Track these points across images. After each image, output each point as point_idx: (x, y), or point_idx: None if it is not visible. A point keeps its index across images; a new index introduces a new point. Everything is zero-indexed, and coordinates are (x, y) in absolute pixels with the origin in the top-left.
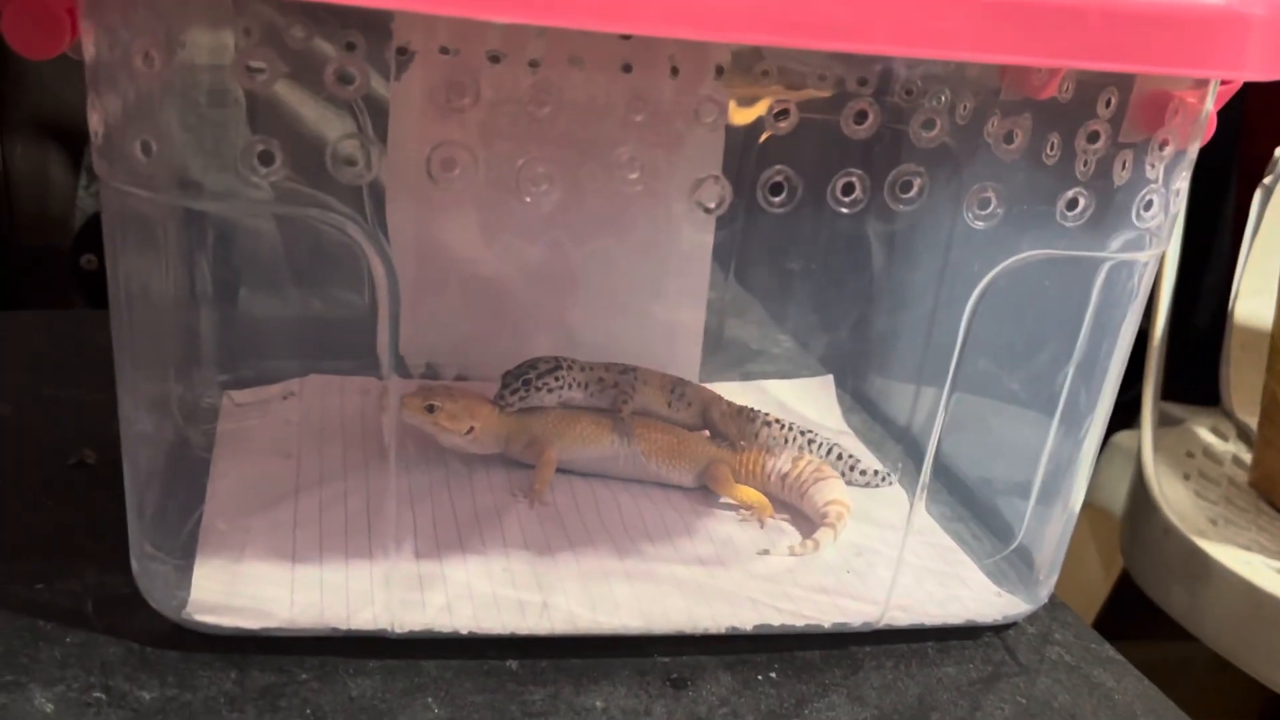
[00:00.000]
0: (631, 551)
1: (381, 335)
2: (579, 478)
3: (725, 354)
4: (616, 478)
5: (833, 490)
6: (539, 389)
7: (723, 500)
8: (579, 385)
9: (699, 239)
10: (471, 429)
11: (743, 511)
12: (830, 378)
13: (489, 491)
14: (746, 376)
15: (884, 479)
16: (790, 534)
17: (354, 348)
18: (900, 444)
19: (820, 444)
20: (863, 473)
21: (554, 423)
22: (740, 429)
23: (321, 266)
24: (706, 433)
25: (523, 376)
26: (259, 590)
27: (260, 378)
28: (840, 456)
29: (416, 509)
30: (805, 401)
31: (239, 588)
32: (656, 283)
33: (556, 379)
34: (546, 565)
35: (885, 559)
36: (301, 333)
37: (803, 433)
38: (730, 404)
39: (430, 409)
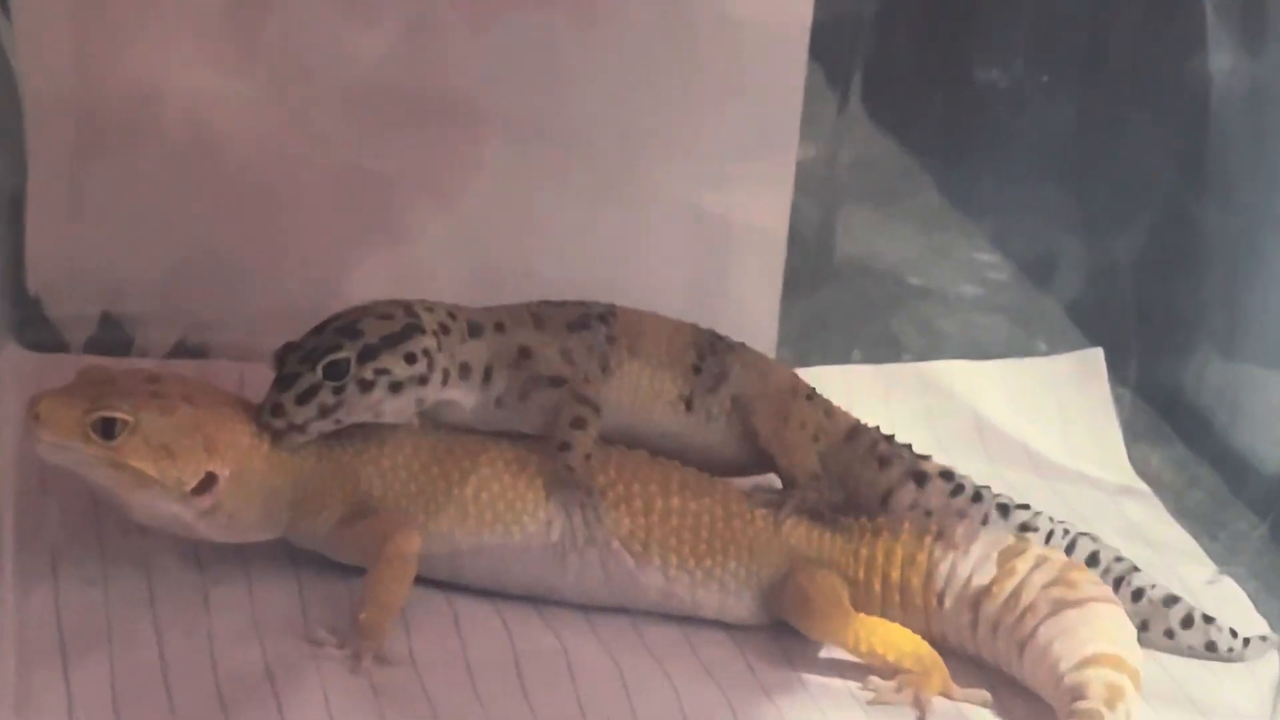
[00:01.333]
0: None
1: None
2: (473, 600)
3: (841, 296)
4: (564, 603)
5: (1098, 632)
6: (371, 385)
7: (824, 651)
8: (468, 369)
9: (778, 9)
10: (207, 481)
11: (872, 680)
12: (1099, 354)
13: (250, 635)
14: (891, 348)
15: (1247, 645)
16: None
17: None
18: (1264, 520)
19: (1065, 530)
20: (1187, 624)
21: (409, 470)
22: (865, 475)
23: None
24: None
25: (331, 355)
26: None
27: None
28: (1117, 560)
29: (72, 669)
30: (1037, 410)
31: None
32: (671, 118)
33: (413, 354)
34: None
35: None
36: None
37: (1019, 508)
38: (832, 411)
39: (105, 427)
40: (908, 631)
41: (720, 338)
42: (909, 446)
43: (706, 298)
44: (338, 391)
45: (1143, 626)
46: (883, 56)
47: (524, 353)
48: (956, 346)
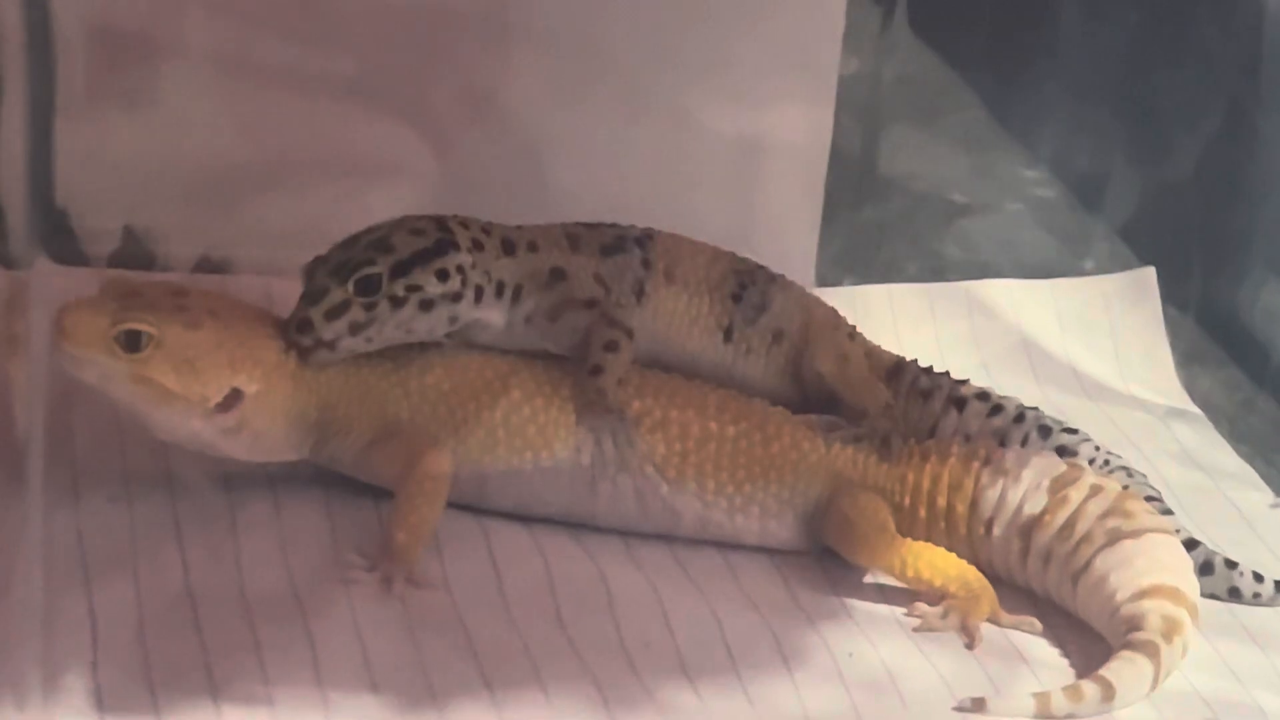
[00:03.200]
0: (641, 703)
1: (8, 161)
2: (506, 525)
3: (883, 213)
4: (598, 529)
5: (1155, 564)
6: (403, 301)
7: (869, 577)
8: (501, 289)
9: None
10: (233, 398)
11: (918, 606)
12: (1150, 274)
13: (277, 559)
14: (937, 268)
15: (1277, 590)
16: (1040, 663)
17: None
18: None
19: (1106, 460)
20: (1207, 570)
21: (438, 393)
22: (910, 412)
23: None
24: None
25: (363, 270)
26: None
27: None
28: (1150, 500)
29: (95, 589)
30: (1086, 330)
31: None
32: (708, 33)
33: (446, 271)
34: None
35: None
36: None
37: (1064, 431)
38: (872, 350)
39: (129, 339)
40: (954, 556)
41: (762, 268)
42: (947, 374)
43: (746, 217)
44: (369, 308)
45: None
46: None
47: (556, 274)
48: (1003, 266)
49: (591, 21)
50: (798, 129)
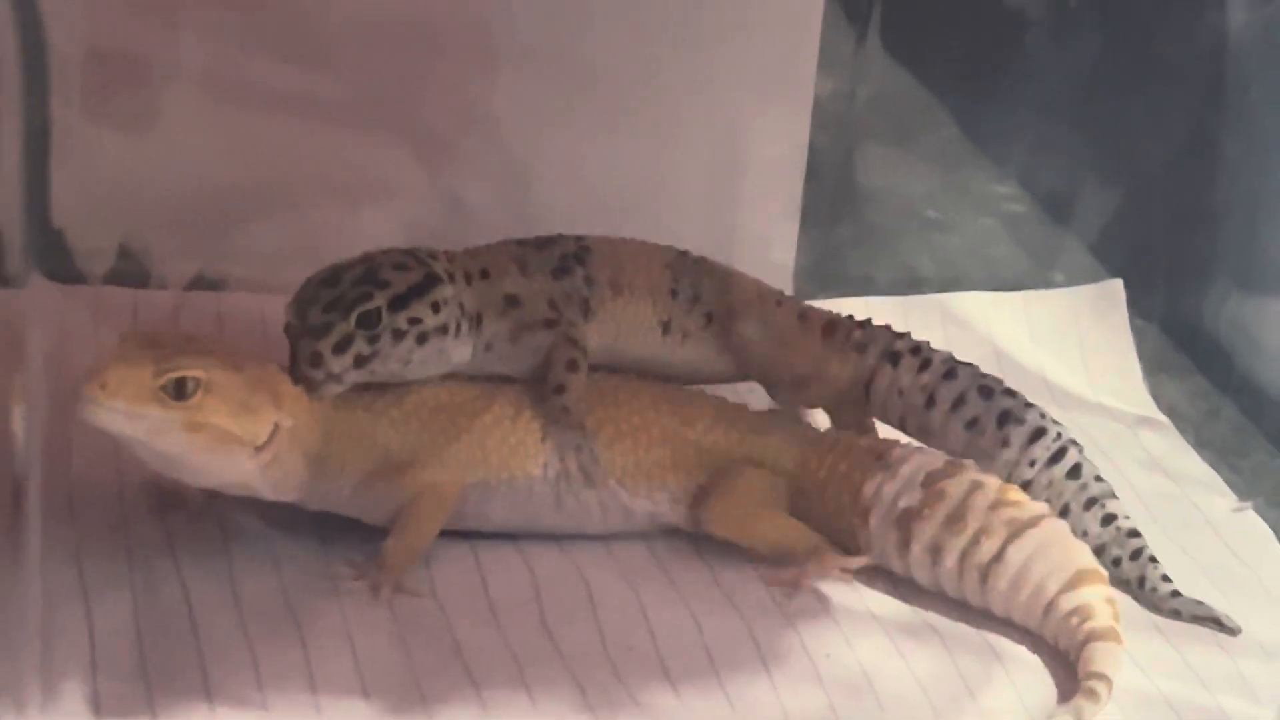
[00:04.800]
0: (623, 706)
1: (4, 182)
2: (493, 538)
3: (858, 229)
4: (549, 534)
5: (1071, 549)
6: (403, 334)
7: (847, 580)
8: (471, 319)
9: None
10: (273, 434)
11: (769, 572)
12: (1118, 286)
13: (269, 568)
14: (910, 281)
15: (1174, 597)
16: (1012, 659)
17: None
18: None
19: (1059, 434)
20: (1135, 556)
21: (419, 418)
22: (846, 358)
23: None
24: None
25: (363, 305)
26: None
27: None
28: (1097, 479)
29: (94, 605)
30: (1056, 341)
31: None
32: (690, 56)
33: (438, 303)
34: None
35: None
36: None
37: (1005, 393)
38: (806, 312)
39: (179, 388)
40: (794, 522)
41: (687, 254)
42: (886, 327)
43: (725, 231)
44: (372, 341)
45: (1098, 551)
46: None
47: (511, 300)
48: (975, 278)
49: (576, 43)
50: (775, 147)
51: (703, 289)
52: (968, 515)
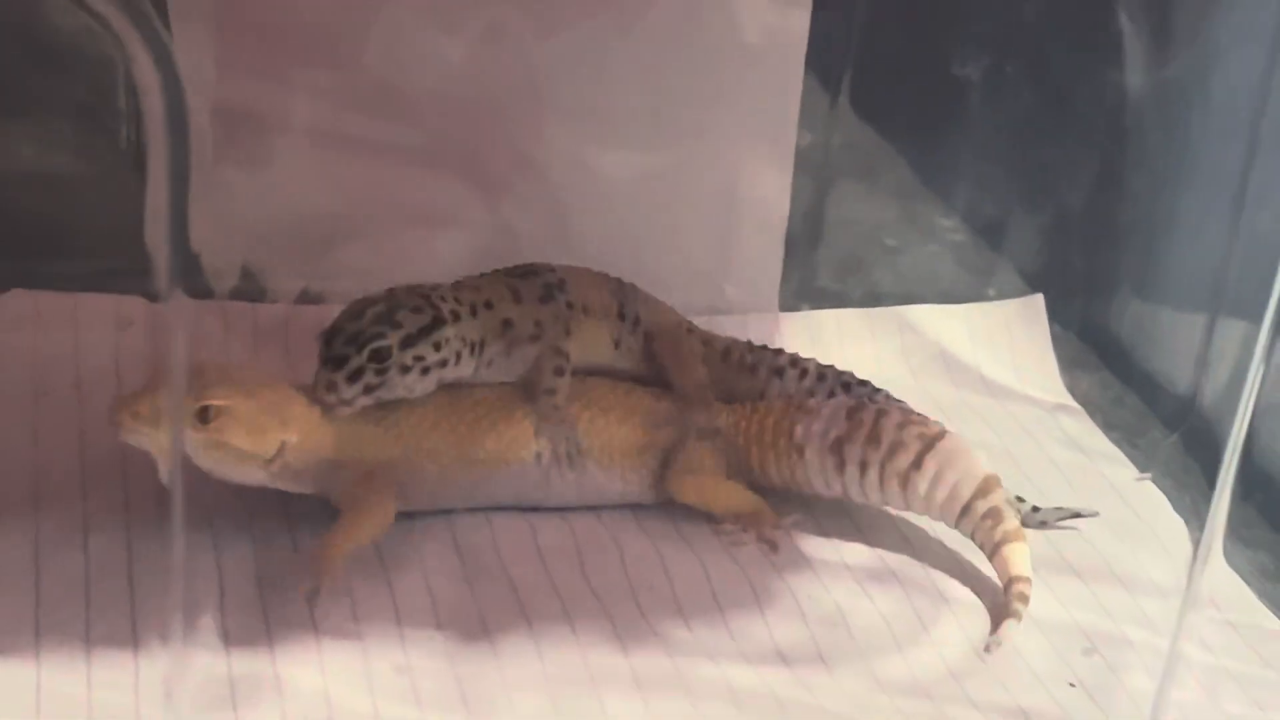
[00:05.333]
0: (645, 636)
1: (154, 215)
2: (531, 511)
3: (832, 253)
4: (543, 507)
5: (974, 461)
6: (409, 369)
7: (825, 538)
8: (473, 347)
9: (781, 23)
10: (281, 449)
11: (723, 526)
12: (1039, 300)
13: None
14: (874, 296)
15: (1071, 516)
16: (957, 601)
17: (99, 239)
18: (1174, 431)
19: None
20: (1021, 501)
21: (420, 427)
22: (741, 383)
23: (41, 77)
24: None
25: (376, 342)
26: None
27: None
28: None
29: (223, 555)
30: (990, 344)
31: None
32: (696, 111)
33: (439, 343)
34: (480, 662)
35: (1144, 655)
36: None
37: (859, 384)
38: (709, 338)
39: (203, 414)
40: (740, 487)
41: (625, 284)
42: (765, 347)
43: (723, 257)
44: (381, 373)
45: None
46: (866, 63)
47: (507, 324)
48: (926, 294)
49: (605, 103)
50: (764, 187)
51: (640, 314)
52: (882, 435)
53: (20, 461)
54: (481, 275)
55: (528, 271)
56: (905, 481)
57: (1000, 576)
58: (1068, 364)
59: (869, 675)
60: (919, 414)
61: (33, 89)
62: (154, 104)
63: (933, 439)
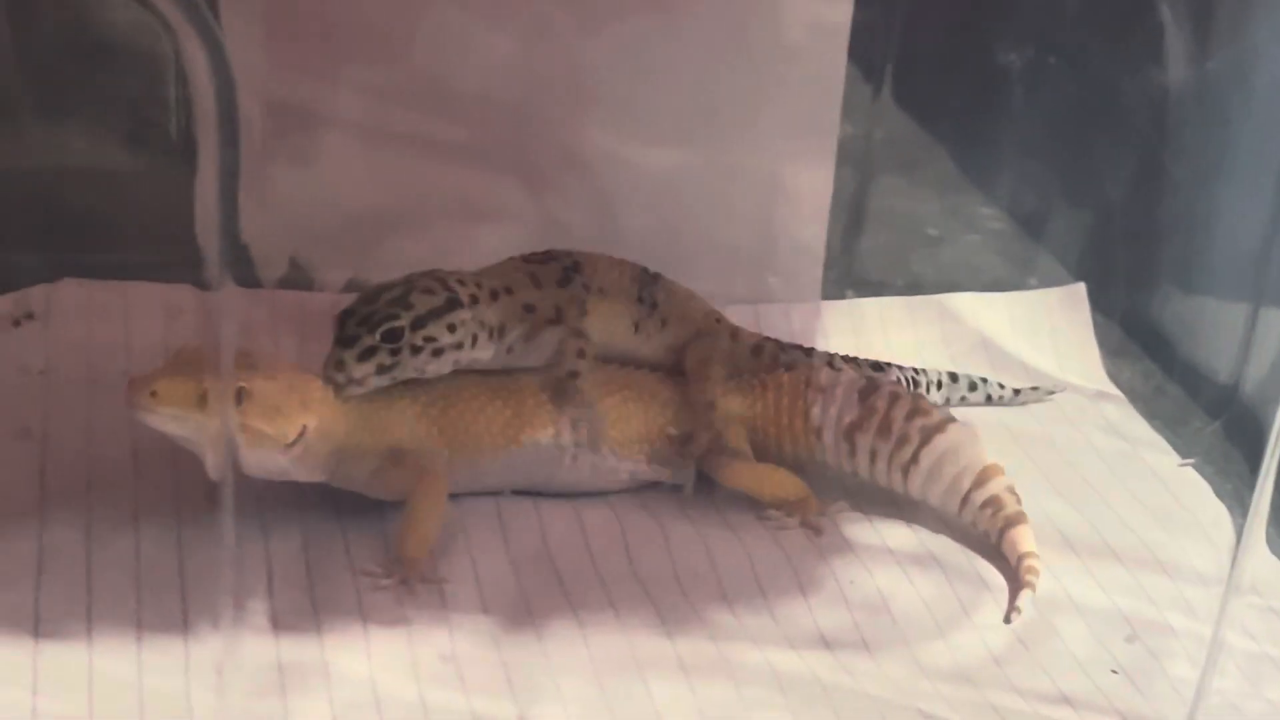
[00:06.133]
0: (689, 621)
1: (205, 207)
2: (577, 498)
3: (874, 243)
4: (564, 493)
5: (976, 451)
6: (420, 349)
7: (866, 522)
8: (491, 331)
9: (824, 16)
10: (302, 432)
11: (770, 512)
12: (1081, 288)
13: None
14: (915, 285)
15: (1016, 394)
16: (994, 586)
17: (149, 230)
18: (1216, 419)
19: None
20: (973, 388)
21: (438, 409)
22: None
23: (92, 72)
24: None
25: (388, 323)
26: None
27: None
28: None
29: (272, 542)
30: (1031, 332)
31: None
32: (740, 104)
33: (454, 324)
34: (525, 649)
35: (1186, 642)
36: (49, 201)
37: (875, 366)
38: (738, 333)
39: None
40: (785, 473)
41: (647, 270)
42: (797, 346)
43: (768, 247)
44: (393, 354)
45: (945, 401)
46: (908, 55)
47: (528, 309)
48: (967, 283)
49: (649, 98)
50: (808, 178)
51: (659, 299)
52: (892, 425)
53: (72, 449)
54: (501, 262)
55: (546, 257)
56: (906, 474)
57: (1010, 557)
58: (1110, 352)
59: (911, 660)
60: (928, 401)
61: (85, 84)
62: (205, 97)
63: (931, 432)
